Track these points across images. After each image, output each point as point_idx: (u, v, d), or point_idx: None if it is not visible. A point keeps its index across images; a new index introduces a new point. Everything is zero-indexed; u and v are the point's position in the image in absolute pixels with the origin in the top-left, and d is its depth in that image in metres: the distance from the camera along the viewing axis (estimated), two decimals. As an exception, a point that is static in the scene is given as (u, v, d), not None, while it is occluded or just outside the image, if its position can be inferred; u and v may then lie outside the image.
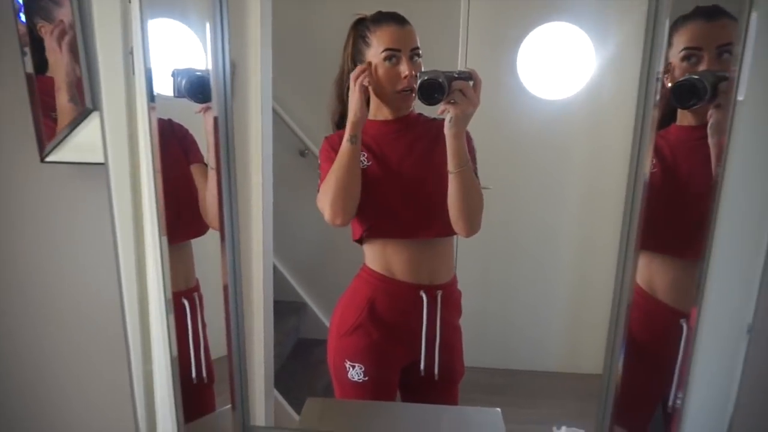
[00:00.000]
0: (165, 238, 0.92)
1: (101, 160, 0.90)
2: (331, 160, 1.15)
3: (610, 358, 0.93)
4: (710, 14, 0.83)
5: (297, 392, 1.38)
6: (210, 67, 0.91)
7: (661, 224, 0.94)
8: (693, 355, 0.84)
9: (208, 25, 0.91)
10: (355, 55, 1.15)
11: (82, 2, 0.89)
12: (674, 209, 0.92)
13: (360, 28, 1.14)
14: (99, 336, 1.09)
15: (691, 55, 0.85)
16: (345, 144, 1.12)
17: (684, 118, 0.90)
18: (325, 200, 1.13)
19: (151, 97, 0.88)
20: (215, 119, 0.94)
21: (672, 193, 0.93)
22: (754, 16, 0.74)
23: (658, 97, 0.84)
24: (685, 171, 0.93)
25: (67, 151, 0.97)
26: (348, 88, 1.18)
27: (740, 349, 0.83)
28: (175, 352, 0.95)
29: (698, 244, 0.82)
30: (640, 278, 0.97)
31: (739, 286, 0.82)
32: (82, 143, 0.95)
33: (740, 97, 0.76)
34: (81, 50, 0.91)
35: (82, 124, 0.94)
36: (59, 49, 0.93)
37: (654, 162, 0.88)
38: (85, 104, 0.93)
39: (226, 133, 0.97)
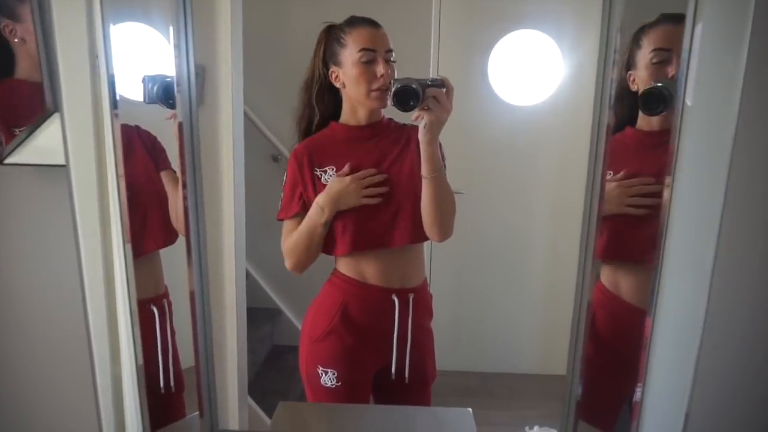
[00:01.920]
0: (129, 246, 0.90)
1: (63, 162, 0.89)
2: (296, 182, 1.16)
3: (573, 359, 0.95)
4: (677, 19, 0.86)
5: (272, 399, 1.37)
6: (174, 70, 0.90)
7: (624, 232, 0.97)
8: (650, 351, 0.87)
9: (171, 29, 0.90)
10: (327, 57, 1.16)
11: (43, 2, 0.87)
12: (635, 217, 0.95)
13: (333, 32, 1.15)
14: (63, 343, 1.06)
15: (660, 56, 0.88)
16: (317, 214, 1.14)
17: (644, 122, 0.92)
18: (288, 254, 1.19)
19: (114, 103, 0.86)
20: (179, 124, 0.93)
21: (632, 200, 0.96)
22: (699, 25, 0.77)
23: (612, 102, 0.87)
24: (643, 177, 0.95)
25: (28, 153, 0.94)
26: (317, 92, 1.18)
27: (694, 345, 0.86)
28: (141, 361, 0.93)
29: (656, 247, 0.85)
30: (606, 280, 0.99)
31: (692, 285, 0.85)
32: (43, 145, 0.93)
33: (689, 102, 0.80)
34: (41, 51, 0.89)
35: (43, 126, 0.92)
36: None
37: (611, 174, 0.90)
38: (46, 105, 0.91)
39: (191, 137, 0.96)
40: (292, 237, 1.18)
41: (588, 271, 0.93)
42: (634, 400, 0.89)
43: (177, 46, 0.91)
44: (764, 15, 0.78)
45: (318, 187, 1.15)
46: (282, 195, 1.20)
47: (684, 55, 0.79)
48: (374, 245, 1.16)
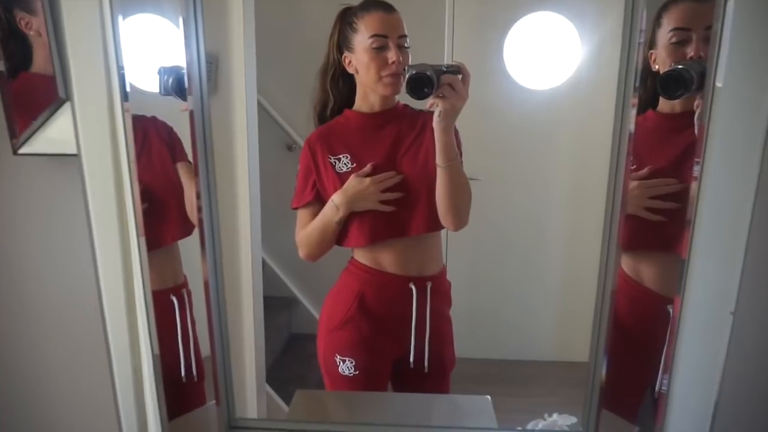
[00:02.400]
0: (143, 240, 0.91)
1: (74, 151, 0.89)
2: (310, 170, 1.15)
3: (596, 346, 0.94)
4: None
5: (290, 387, 1.38)
6: (185, 60, 0.90)
7: (646, 222, 0.94)
8: (677, 340, 0.84)
9: (181, 19, 0.89)
10: (341, 42, 1.15)
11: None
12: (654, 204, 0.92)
13: (347, 16, 1.14)
14: (79, 333, 1.07)
15: (679, 35, 0.85)
16: (332, 211, 1.14)
17: (665, 104, 0.90)
18: (301, 245, 1.20)
19: (125, 94, 0.86)
20: (191, 112, 0.93)
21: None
22: (731, 1, 0.73)
23: (637, 84, 0.83)
24: (665, 163, 0.93)
25: (41, 143, 0.95)
26: (332, 77, 1.17)
27: (724, 333, 0.83)
28: (157, 350, 0.94)
29: (682, 236, 0.82)
30: (627, 266, 0.97)
31: (722, 271, 0.82)
32: (56, 136, 0.93)
33: (719, 84, 0.76)
34: (52, 42, 0.89)
35: (56, 115, 0.93)
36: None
37: (633, 159, 0.87)
38: (58, 95, 0.92)
39: (203, 127, 0.95)
40: (306, 229, 1.18)
41: (612, 259, 0.91)
42: (661, 389, 0.87)
43: (187, 36, 0.90)
44: None
45: (332, 174, 1.15)
46: (296, 183, 1.20)
47: (715, 33, 0.75)
48: (390, 235, 1.15)
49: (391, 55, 1.08)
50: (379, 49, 1.09)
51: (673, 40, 0.85)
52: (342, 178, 1.14)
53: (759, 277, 0.85)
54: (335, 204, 1.13)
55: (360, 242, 1.15)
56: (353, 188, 1.13)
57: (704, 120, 0.77)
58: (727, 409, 0.87)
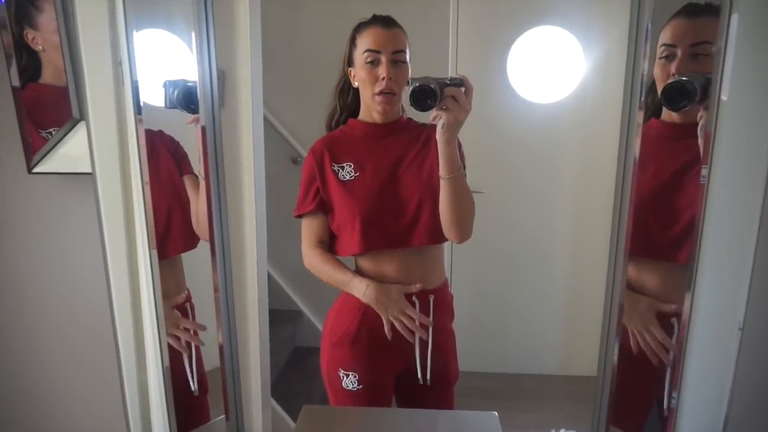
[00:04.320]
0: (155, 252, 0.91)
1: (89, 170, 0.90)
2: (313, 178, 1.16)
3: (603, 361, 0.93)
4: (692, 12, 0.83)
5: (294, 400, 1.38)
6: (197, 76, 0.91)
7: (649, 229, 0.94)
8: (686, 355, 0.83)
9: (193, 35, 0.90)
10: (349, 57, 1.16)
11: (67, 12, 0.88)
12: (661, 213, 0.92)
13: (354, 32, 1.15)
14: (92, 347, 1.08)
15: (667, 52, 0.86)
16: (355, 288, 1.17)
17: (668, 114, 0.90)
18: (310, 266, 1.22)
19: (138, 109, 0.87)
20: (203, 128, 0.94)
21: (658, 196, 0.94)
22: (735, 16, 0.74)
23: (643, 99, 0.84)
24: (669, 173, 0.93)
25: (55, 162, 0.96)
26: (341, 90, 1.19)
27: (732, 347, 0.83)
28: (167, 363, 0.94)
29: (687, 246, 0.82)
30: (630, 279, 0.97)
31: (729, 284, 0.82)
32: (70, 154, 0.95)
33: (724, 97, 0.77)
34: (67, 59, 0.91)
35: (70, 134, 0.94)
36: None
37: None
38: (72, 114, 0.93)
39: (214, 142, 0.96)
40: (322, 264, 1.19)
41: (619, 270, 0.90)
42: (669, 405, 0.86)
43: (199, 52, 0.92)
44: None
45: (334, 183, 1.15)
46: (299, 191, 1.21)
47: (719, 47, 0.76)
48: (392, 245, 1.15)
49: (382, 71, 1.09)
50: (372, 64, 1.10)
51: (663, 55, 0.86)
52: (346, 186, 1.14)
53: (767, 289, 0.85)
54: (362, 292, 1.15)
55: (362, 248, 1.15)
56: (378, 298, 1.14)
57: (710, 131, 0.77)
58: (737, 424, 0.86)
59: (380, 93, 1.11)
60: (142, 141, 0.89)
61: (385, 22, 1.11)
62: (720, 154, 0.78)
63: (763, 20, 0.75)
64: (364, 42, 1.11)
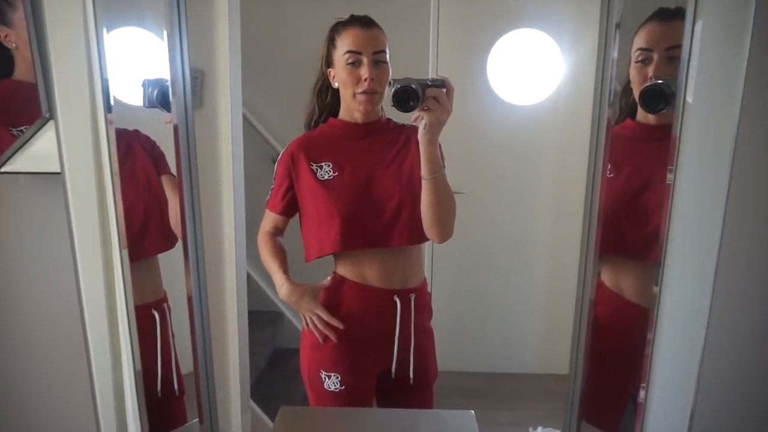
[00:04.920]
0: (126, 252, 0.90)
1: (57, 169, 0.89)
2: (285, 176, 1.18)
3: (575, 358, 0.95)
4: (665, 16, 0.85)
5: (275, 402, 1.37)
6: (168, 74, 0.90)
7: (623, 228, 0.96)
8: (653, 350, 0.86)
9: (165, 32, 0.89)
10: (327, 57, 1.16)
11: (36, 9, 0.87)
12: (634, 212, 0.94)
13: (332, 32, 1.15)
14: (62, 350, 1.06)
15: (643, 56, 0.88)
16: (277, 278, 1.20)
17: (644, 115, 0.92)
18: (259, 247, 1.25)
19: (109, 108, 0.86)
20: (175, 126, 0.93)
21: (631, 196, 0.95)
22: (699, 22, 0.76)
23: (616, 101, 0.86)
24: (643, 174, 0.95)
25: (23, 161, 0.95)
26: (319, 90, 1.19)
27: (698, 343, 0.85)
28: (139, 366, 0.93)
29: (657, 244, 0.84)
30: (608, 280, 0.98)
31: (695, 282, 0.84)
32: (39, 153, 0.93)
33: (689, 99, 0.79)
34: (36, 56, 0.89)
35: (39, 134, 0.92)
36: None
37: (611, 168, 0.90)
38: (42, 113, 0.91)
39: (186, 140, 0.95)
40: (264, 243, 1.23)
41: (590, 267, 0.92)
42: (638, 399, 0.88)
43: (171, 49, 0.91)
44: (765, 9, 0.77)
45: (312, 182, 1.15)
46: (272, 186, 1.22)
47: (685, 51, 0.78)
48: (371, 245, 1.16)
49: (364, 72, 1.09)
50: (354, 65, 1.10)
51: (639, 59, 0.88)
52: (324, 185, 1.14)
53: (731, 286, 0.87)
54: (278, 288, 1.19)
55: (340, 247, 1.15)
56: (289, 297, 1.18)
57: (675, 133, 0.79)
58: (703, 418, 0.88)
59: (362, 93, 1.11)
60: (113, 140, 0.87)
61: (364, 22, 1.11)
62: (685, 155, 0.80)
63: (727, 24, 0.77)
64: (344, 43, 1.11)
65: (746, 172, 0.82)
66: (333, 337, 1.18)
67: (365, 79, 1.09)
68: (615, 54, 0.85)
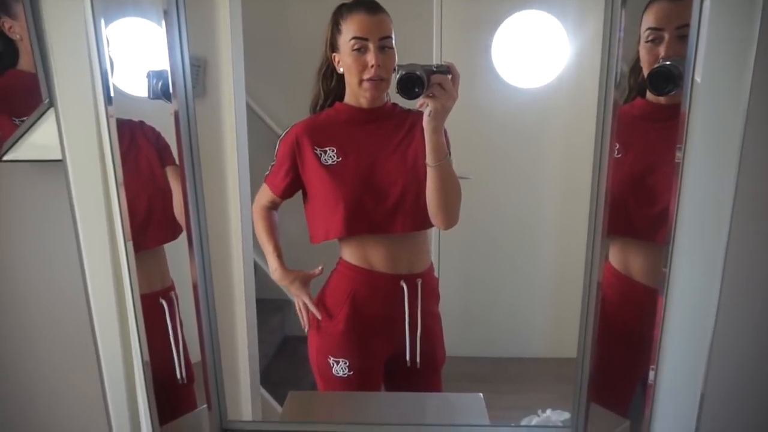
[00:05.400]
0: (130, 243, 0.90)
1: (59, 157, 0.89)
2: (286, 157, 1.18)
3: (583, 340, 0.95)
4: None
5: (284, 389, 1.38)
6: (168, 63, 0.90)
7: (632, 209, 0.95)
8: (663, 331, 0.85)
9: (163, 22, 0.89)
10: (332, 42, 1.15)
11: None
12: (643, 193, 0.93)
13: (336, 16, 1.13)
14: (69, 340, 1.07)
15: (653, 35, 0.86)
16: (270, 260, 1.25)
17: (653, 95, 0.91)
18: (254, 218, 1.27)
19: (109, 99, 0.86)
20: (175, 114, 0.92)
21: (639, 176, 0.95)
22: (707, 1, 0.74)
23: (618, 80, 0.84)
24: (651, 154, 0.94)
25: (25, 150, 0.95)
26: (324, 75, 1.18)
27: (709, 325, 0.84)
28: (147, 356, 0.94)
29: (667, 226, 0.83)
30: (616, 261, 0.98)
31: (705, 264, 0.83)
32: (41, 141, 0.93)
33: (698, 79, 0.77)
34: (35, 47, 0.89)
35: (40, 122, 0.92)
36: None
37: (619, 147, 0.89)
38: (43, 99, 0.92)
39: (188, 128, 0.95)
40: (259, 218, 1.25)
41: (597, 250, 0.91)
42: (648, 381, 0.88)
43: (169, 36, 0.90)
44: None
45: (316, 166, 1.14)
46: (273, 163, 1.21)
47: (693, 30, 0.76)
48: (374, 230, 1.15)
49: (370, 58, 1.08)
50: (360, 51, 1.09)
51: (649, 38, 0.86)
52: (328, 170, 1.14)
53: (741, 268, 0.86)
54: (271, 271, 1.24)
55: (338, 233, 1.16)
56: (281, 281, 1.24)
57: (683, 114, 0.78)
58: (713, 400, 0.88)
59: (369, 79, 1.10)
60: (113, 130, 0.87)
61: (370, 7, 1.10)
62: (694, 134, 0.79)
63: (734, 3, 0.75)
64: (349, 29, 1.10)
65: (756, 151, 0.81)
66: (315, 325, 1.24)
67: (372, 66, 1.09)
68: (621, 33, 0.83)
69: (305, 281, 1.23)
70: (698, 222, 0.82)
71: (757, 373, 0.96)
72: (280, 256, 1.22)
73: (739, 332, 0.92)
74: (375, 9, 1.09)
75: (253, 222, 1.25)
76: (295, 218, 1.26)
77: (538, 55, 2.11)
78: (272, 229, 1.23)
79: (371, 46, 1.08)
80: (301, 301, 1.23)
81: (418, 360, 1.19)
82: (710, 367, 0.85)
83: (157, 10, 0.90)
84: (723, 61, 0.77)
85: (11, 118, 0.95)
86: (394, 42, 1.11)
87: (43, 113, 0.91)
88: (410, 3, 2.08)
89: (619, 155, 0.91)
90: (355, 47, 1.08)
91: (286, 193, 1.20)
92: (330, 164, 1.14)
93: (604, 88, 0.86)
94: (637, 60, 0.90)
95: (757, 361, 0.95)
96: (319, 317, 1.22)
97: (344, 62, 1.11)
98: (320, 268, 1.24)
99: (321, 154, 1.15)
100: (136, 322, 0.93)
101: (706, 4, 0.75)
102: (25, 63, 0.94)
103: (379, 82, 1.10)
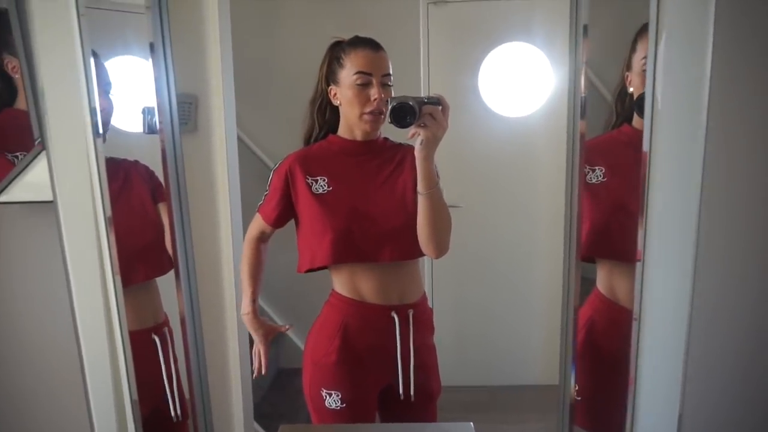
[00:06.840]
0: (119, 278, 0.91)
1: (50, 198, 0.90)
2: (280, 189, 1.18)
3: (564, 367, 0.96)
4: None
5: (278, 423, 1.36)
6: (155, 98, 0.92)
7: (616, 232, 0.97)
8: (638, 353, 0.88)
9: (150, 60, 0.92)
10: (329, 75, 1.18)
11: (27, 38, 0.89)
12: (627, 217, 0.96)
13: (336, 50, 1.17)
14: (59, 379, 1.06)
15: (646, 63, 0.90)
16: (244, 298, 1.25)
17: (639, 121, 0.94)
18: (244, 248, 1.27)
19: (99, 135, 0.88)
20: (162, 150, 0.94)
21: (624, 200, 0.97)
22: (663, 33, 0.81)
23: (585, 113, 0.90)
24: (637, 179, 0.96)
25: (17, 191, 0.96)
26: (319, 107, 1.20)
27: (681, 345, 0.87)
28: (135, 395, 0.94)
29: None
30: (602, 286, 0.99)
31: (675, 286, 0.86)
32: (32, 182, 0.94)
33: (659, 107, 0.83)
34: (28, 87, 0.91)
35: (33, 163, 0.94)
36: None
37: (605, 172, 0.92)
38: (34, 143, 0.93)
39: (174, 161, 0.97)
40: (249, 254, 1.25)
41: (572, 272, 0.94)
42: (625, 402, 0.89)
43: (156, 72, 0.93)
44: (724, 20, 0.81)
45: (307, 195, 1.16)
46: (266, 192, 1.22)
47: (651, 62, 0.82)
48: (363, 259, 1.16)
49: (374, 93, 1.12)
50: (363, 86, 1.12)
51: (645, 68, 0.90)
52: (318, 199, 1.15)
53: (710, 287, 0.90)
54: (243, 312, 1.25)
55: (325, 261, 1.17)
56: (247, 324, 1.25)
57: (646, 139, 0.84)
58: (691, 420, 0.89)
59: (370, 113, 1.13)
60: (102, 168, 0.89)
61: (374, 45, 1.14)
62: (657, 159, 0.84)
63: (688, 35, 0.82)
64: (353, 63, 1.13)
65: (717, 174, 0.87)
66: (309, 357, 1.24)
67: (374, 100, 1.12)
68: (582, 64, 0.89)
69: (269, 334, 1.26)
70: (665, 245, 0.86)
71: (733, 390, 0.97)
72: (255, 301, 1.24)
73: (712, 351, 0.94)
74: (378, 46, 1.14)
75: (242, 256, 1.25)
76: (290, 251, 1.27)
77: (523, 85, 2.16)
78: (257, 270, 1.24)
79: (374, 81, 1.11)
80: (257, 350, 1.26)
81: (412, 392, 1.18)
82: (686, 386, 0.87)
83: (145, 45, 0.92)
84: (681, 90, 0.83)
85: (5, 153, 0.96)
86: (392, 79, 1.15)
87: (38, 155, 0.93)
88: (397, 38, 2.14)
89: (605, 179, 0.93)
90: (359, 81, 1.12)
91: (278, 222, 1.21)
92: (320, 193, 1.16)
93: (572, 117, 0.91)
94: (623, 87, 0.94)
95: (732, 378, 0.97)
96: (264, 371, 1.26)
97: (344, 95, 1.14)
98: (288, 326, 1.31)
99: (312, 183, 1.16)
100: (125, 361, 0.93)
101: (663, 35, 0.82)
102: (22, 102, 0.96)
103: (378, 115, 1.13)
